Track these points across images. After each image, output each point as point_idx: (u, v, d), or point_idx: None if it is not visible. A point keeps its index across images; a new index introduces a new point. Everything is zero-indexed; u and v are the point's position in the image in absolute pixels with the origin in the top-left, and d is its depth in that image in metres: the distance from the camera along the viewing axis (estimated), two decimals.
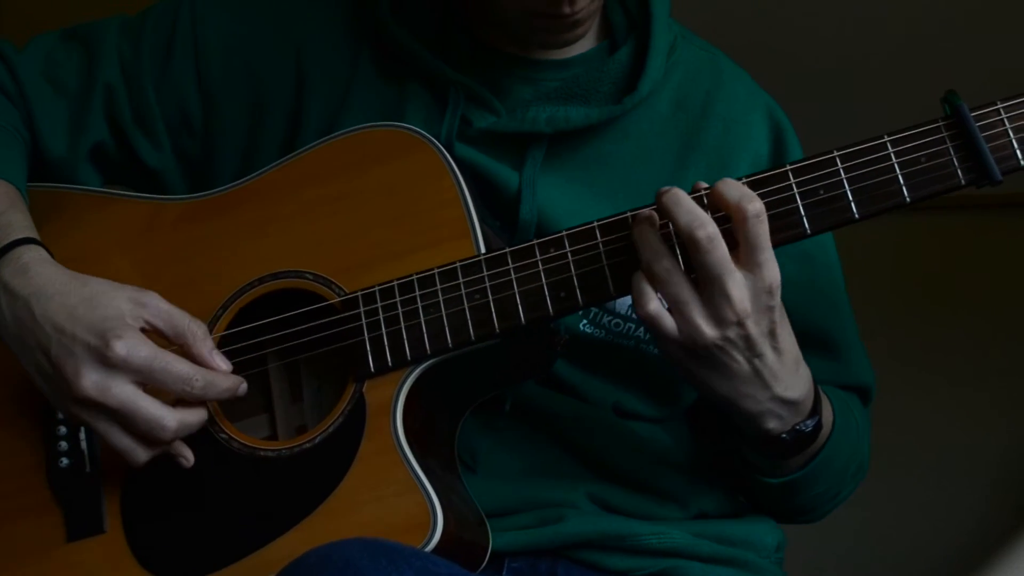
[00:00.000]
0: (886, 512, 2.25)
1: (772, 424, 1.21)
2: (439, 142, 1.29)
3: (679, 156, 1.36)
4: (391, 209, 1.25)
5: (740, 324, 1.13)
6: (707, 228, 1.11)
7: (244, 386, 1.22)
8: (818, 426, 1.24)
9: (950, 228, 2.22)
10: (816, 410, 1.24)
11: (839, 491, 1.38)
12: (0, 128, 1.35)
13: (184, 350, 1.21)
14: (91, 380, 1.16)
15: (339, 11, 1.40)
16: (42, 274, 1.21)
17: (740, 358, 1.15)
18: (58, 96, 1.40)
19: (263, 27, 1.41)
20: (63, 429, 1.27)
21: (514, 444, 1.34)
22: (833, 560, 2.27)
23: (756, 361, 1.16)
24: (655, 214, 1.16)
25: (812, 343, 1.33)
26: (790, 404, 1.20)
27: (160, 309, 1.20)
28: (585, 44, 1.38)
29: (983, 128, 1.13)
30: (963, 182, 1.14)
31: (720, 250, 1.11)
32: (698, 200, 1.15)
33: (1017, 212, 2.21)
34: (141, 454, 1.19)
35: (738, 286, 1.12)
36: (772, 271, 1.13)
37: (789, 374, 1.19)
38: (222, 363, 1.22)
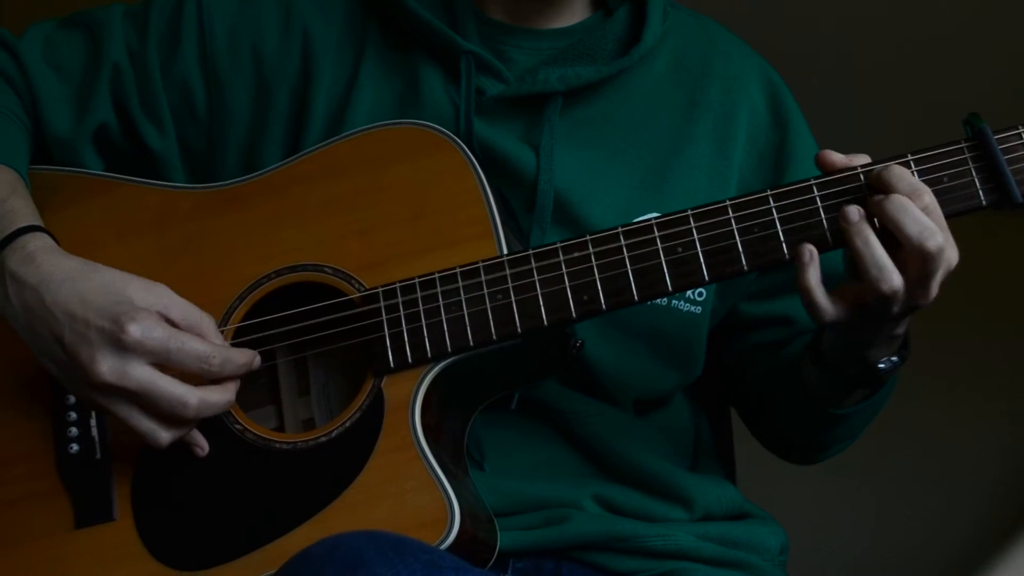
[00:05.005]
0: (887, 513, 2.27)
1: (872, 353, 1.24)
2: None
3: (685, 113, 1.38)
4: (413, 207, 1.25)
5: None
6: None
7: (258, 359, 1.23)
8: (905, 358, 1.27)
9: (950, 228, 2.22)
10: (906, 343, 1.27)
11: (855, 435, 1.41)
12: (0, 113, 1.34)
13: None
14: (108, 365, 1.16)
15: None
16: (49, 262, 1.21)
17: None
18: (62, 79, 1.39)
19: (269, 9, 1.40)
20: (73, 415, 1.26)
21: (521, 441, 1.34)
22: (834, 561, 2.29)
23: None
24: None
25: None
26: (896, 338, 1.24)
27: (171, 301, 1.20)
28: (581, 14, 1.41)
29: (1003, 152, 1.16)
30: (984, 203, 1.17)
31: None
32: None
33: (1017, 212, 2.21)
34: (163, 435, 1.19)
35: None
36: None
37: None
38: None
